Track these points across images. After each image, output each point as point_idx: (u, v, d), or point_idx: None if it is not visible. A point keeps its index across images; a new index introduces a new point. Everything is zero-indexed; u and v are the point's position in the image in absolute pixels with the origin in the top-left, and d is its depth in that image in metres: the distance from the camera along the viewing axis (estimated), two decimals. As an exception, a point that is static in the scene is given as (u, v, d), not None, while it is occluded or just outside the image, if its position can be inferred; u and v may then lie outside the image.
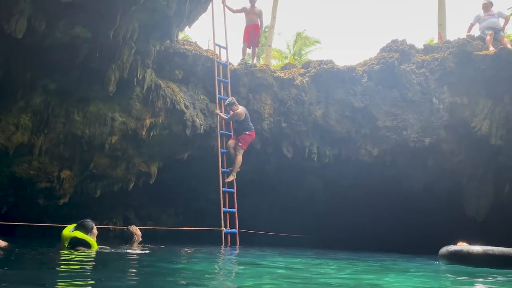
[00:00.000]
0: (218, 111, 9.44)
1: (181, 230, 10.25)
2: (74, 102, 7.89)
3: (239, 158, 9.36)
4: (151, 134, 8.87)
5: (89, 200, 9.53)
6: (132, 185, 9.37)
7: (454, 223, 10.21)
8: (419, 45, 10.79)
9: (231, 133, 9.64)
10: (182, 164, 10.04)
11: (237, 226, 9.24)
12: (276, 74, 10.06)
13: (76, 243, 5.33)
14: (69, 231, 5.52)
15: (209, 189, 11.14)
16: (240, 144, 9.33)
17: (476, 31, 10.65)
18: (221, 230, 8.97)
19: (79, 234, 5.39)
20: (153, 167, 9.46)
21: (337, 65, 10.18)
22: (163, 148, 9.37)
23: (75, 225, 5.65)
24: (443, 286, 3.87)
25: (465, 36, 10.28)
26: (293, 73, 10.13)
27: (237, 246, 8.94)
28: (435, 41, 14.63)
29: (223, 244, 8.86)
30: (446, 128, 9.81)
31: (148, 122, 8.68)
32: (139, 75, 8.01)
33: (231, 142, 9.47)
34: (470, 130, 9.69)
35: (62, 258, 4.81)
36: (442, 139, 9.80)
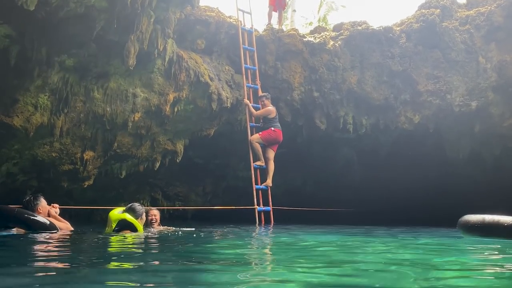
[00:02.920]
0: (246, 100, 9.05)
1: (212, 209, 10.08)
2: (93, 78, 7.66)
3: (271, 165, 8.92)
4: (175, 109, 8.60)
5: (115, 182, 9.41)
6: (158, 164, 9.17)
7: (502, 192, 9.68)
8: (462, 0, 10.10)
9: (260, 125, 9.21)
10: (209, 141, 9.78)
11: (270, 203, 8.98)
12: (306, 39, 9.56)
13: (124, 226, 5.10)
14: (117, 213, 5.29)
15: (238, 166, 10.92)
16: (260, 135, 8.85)
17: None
18: (254, 208, 8.72)
19: (129, 218, 5.16)
20: (179, 145, 9.23)
21: (371, 26, 9.61)
22: (188, 124, 9.11)
23: (123, 208, 5.42)
24: None
25: (514, -14, 9.53)
26: (324, 37, 9.62)
27: (272, 224, 8.70)
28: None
29: (257, 222, 8.63)
30: (494, 90, 9.21)
31: (171, 97, 8.39)
32: (160, 46, 7.68)
33: (256, 137, 8.97)
34: (521, 90, 9.08)
35: (111, 240, 4.66)
36: (490, 102, 9.23)
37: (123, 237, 4.86)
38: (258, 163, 8.97)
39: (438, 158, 10.42)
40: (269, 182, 8.92)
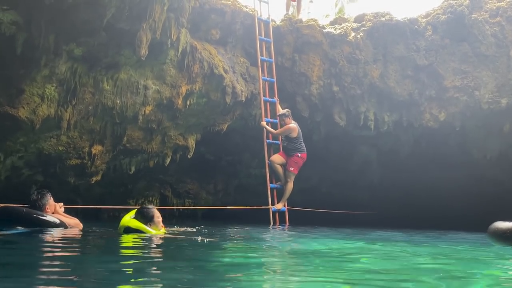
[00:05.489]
0: (264, 123, 8.79)
1: (225, 209, 9.90)
2: (103, 69, 7.47)
3: (290, 185, 8.66)
4: (188, 103, 8.40)
5: (123, 178, 9.27)
6: (168, 160, 9.01)
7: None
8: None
9: (278, 142, 8.99)
10: (221, 136, 9.59)
11: (286, 203, 8.78)
12: (326, 30, 9.32)
13: (129, 233, 4.89)
14: (127, 218, 5.08)
15: (251, 163, 10.74)
16: (292, 169, 8.59)
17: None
18: (269, 208, 8.53)
19: (134, 224, 4.92)
20: (190, 140, 9.05)
21: (395, 17, 9.33)
22: (201, 118, 8.93)
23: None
24: None
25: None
26: (345, 28, 9.36)
27: (287, 225, 8.51)
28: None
29: (272, 223, 8.44)
30: (526, 86, 8.90)
31: (184, 89, 8.20)
32: (173, 36, 7.50)
33: (277, 158, 8.69)
34: (555, 87, 8.76)
35: (122, 243, 4.47)
36: (521, 99, 8.91)
37: (133, 239, 4.69)
38: (279, 183, 8.75)
39: (462, 158, 10.12)
40: (281, 205, 8.68)
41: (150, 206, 5.24)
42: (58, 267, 2.92)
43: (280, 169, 8.67)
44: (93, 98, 7.55)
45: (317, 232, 7.17)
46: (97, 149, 8.14)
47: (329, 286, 2.51)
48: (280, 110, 8.98)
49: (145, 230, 4.90)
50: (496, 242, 5.38)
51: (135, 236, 4.81)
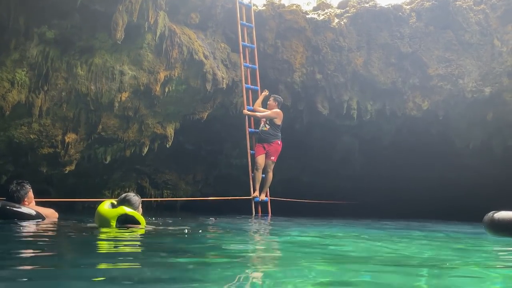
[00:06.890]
0: (246, 111, 8.68)
1: (206, 200, 9.79)
2: (76, 53, 7.24)
3: (271, 175, 8.58)
4: (166, 90, 8.23)
5: (98, 168, 9.07)
6: (146, 149, 8.83)
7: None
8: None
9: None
10: (201, 125, 9.46)
11: (268, 193, 8.73)
12: (309, 16, 9.23)
13: (125, 220, 4.62)
14: (106, 207, 4.71)
15: (232, 153, 10.65)
16: (273, 158, 8.52)
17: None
18: (251, 199, 8.46)
19: (129, 211, 4.66)
20: (169, 129, 8.88)
21: (379, 4, 9.31)
22: (180, 106, 8.76)
23: (110, 201, 4.89)
24: None
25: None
26: (328, 14, 9.29)
27: (269, 216, 8.46)
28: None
29: (254, 214, 8.38)
30: (510, 75, 8.98)
31: (162, 75, 8.02)
32: (151, 19, 7.29)
33: (262, 160, 8.46)
34: (538, 76, 8.88)
35: (110, 236, 4.30)
36: (505, 88, 9.00)
37: (123, 232, 4.52)
38: (262, 196, 8.59)
39: (444, 148, 10.23)
40: (262, 196, 8.60)
41: (132, 193, 5.00)
42: (32, 261, 2.79)
43: (260, 177, 8.54)
44: (66, 84, 7.31)
45: (299, 221, 7.14)
46: (70, 137, 7.91)
47: (313, 273, 2.47)
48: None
49: (138, 217, 4.71)
50: (491, 233, 5.38)
51: (112, 229, 4.64)
